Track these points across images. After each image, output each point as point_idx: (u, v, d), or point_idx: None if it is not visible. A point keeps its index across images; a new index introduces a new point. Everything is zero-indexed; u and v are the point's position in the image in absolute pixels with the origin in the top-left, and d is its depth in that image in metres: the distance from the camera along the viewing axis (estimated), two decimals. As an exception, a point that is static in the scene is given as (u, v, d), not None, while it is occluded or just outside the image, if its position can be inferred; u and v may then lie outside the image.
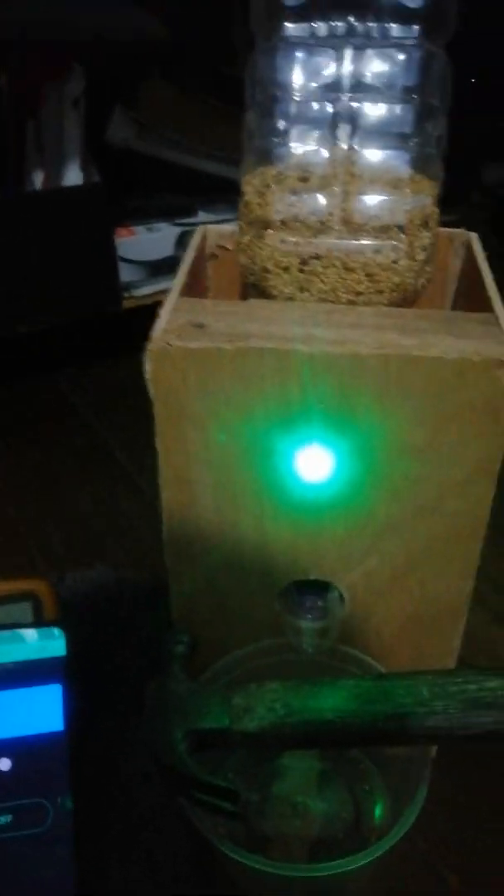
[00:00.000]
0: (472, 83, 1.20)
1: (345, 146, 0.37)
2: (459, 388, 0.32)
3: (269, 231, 0.38)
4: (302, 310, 0.37)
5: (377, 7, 0.35)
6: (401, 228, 0.36)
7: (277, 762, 0.44)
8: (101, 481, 0.74)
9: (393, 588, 0.40)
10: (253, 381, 0.34)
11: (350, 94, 0.36)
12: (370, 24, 0.35)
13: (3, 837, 0.40)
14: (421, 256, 0.37)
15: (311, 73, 0.37)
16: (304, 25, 0.36)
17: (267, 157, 0.39)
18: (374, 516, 0.37)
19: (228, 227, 0.47)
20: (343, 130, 0.37)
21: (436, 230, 0.38)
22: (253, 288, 0.40)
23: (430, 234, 0.38)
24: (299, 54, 0.37)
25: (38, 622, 0.51)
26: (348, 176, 0.37)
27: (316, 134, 0.38)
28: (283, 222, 0.37)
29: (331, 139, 0.37)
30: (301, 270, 0.38)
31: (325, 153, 0.37)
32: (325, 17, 0.35)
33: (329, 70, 0.37)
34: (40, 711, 0.45)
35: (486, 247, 0.44)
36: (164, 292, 0.39)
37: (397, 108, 0.36)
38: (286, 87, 0.37)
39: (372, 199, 0.36)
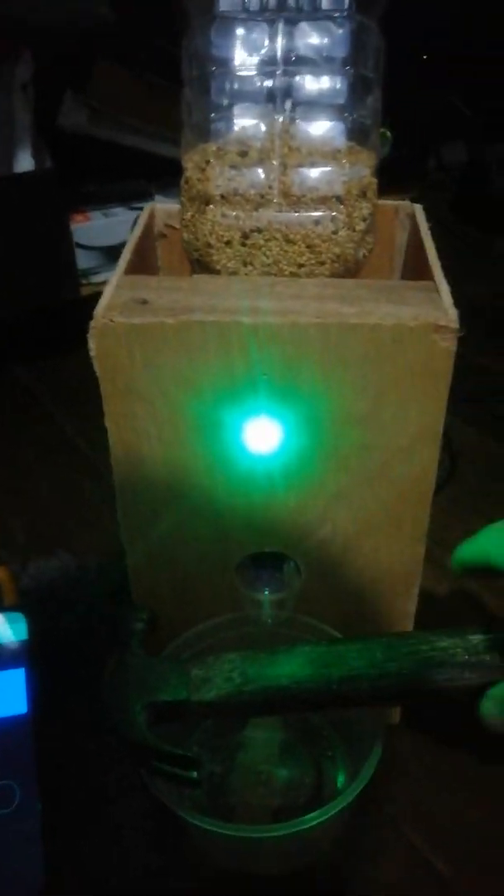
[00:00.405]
0: (426, 61, 1.21)
1: (282, 119, 0.37)
2: (398, 354, 0.33)
3: (210, 206, 0.38)
4: (245, 283, 0.37)
5: (307, -21, 0.35)
6: (339, 199, 0.37)
7: (241, 734, 0.45)
8: (62, 469, 0.74)
9: (347, 555, 0.41)
10: (198, 355, 0.34)
11: (284, 68, 0.37)
12: (301, -3, 0.35)
13: (-30, 819, 0.41)
14: (360, 227, 0.38)
15: (246, 47, 0.37)
16: (236, 0, 0.36)
17: (206, 133, 0.39)
18: (323, 485, 0.38)
19: (176, 206, 0.47)
20: (280, 104, 0.37)
21: (374, 200, 0.39)
22: (197, 264, 0.41)
23: (369, 204, 0.38)
24: (233, 29, 0.37)
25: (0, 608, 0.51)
26: (286, 149, 0.37)
27: (254, 108, 0.38)
28: (223, 197, 0.38)
29: (268, 113, 0.38)
30: (243, 244, 0.38)
31: (263, 127, 0.38)
32: (256, -10, 0.35)
33: (263, 44, 0.37)
34: (4, 695, 0.45)
35: (445, 224, 0.45)
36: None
37: (331, 81, 0.36)
38: (222, 63, 0.37)
39: (310, 172, 0.37)
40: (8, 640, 0.48)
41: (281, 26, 0.36)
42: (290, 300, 0.35)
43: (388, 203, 0.46)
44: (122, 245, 0.42)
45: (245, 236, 0.38)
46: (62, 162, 0.91)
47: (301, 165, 0.37)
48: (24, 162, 0.89)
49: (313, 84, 0.37)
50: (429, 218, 0.45)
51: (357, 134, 0.37)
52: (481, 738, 0.36)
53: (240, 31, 0.37)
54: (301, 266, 0.38)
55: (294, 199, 0.37)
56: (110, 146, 1.03)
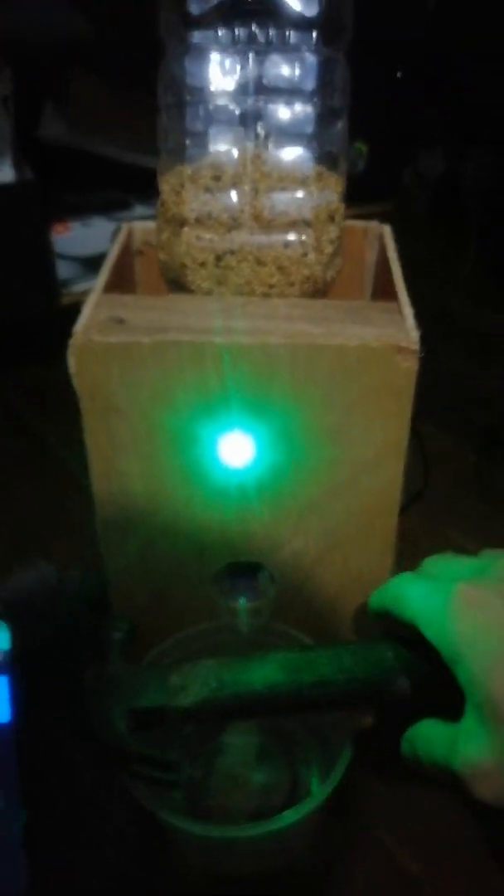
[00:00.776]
0: (399, 75, 1.23)
1: (253, 146, 0.39)
2: (362, 373, 0.34)
3: (185, 228, 0.39)
4: (219, 303, 0.39)
5: (276, 15, 0.36)
6: (307, 223, 0.38)
7: (219, 740, 0.46)
8: (43, 481, 0.75)
9: (319, 565, 0.42)
10: (173, 373, 0.36)
11: (255, 97, 0.38)
12: (270, 32, 0.37)
13: (-48, 826, 0.41)
14: (328, 249, 0.39)
15: (219, 77, 0.39)
16: (209, 32, 0.38)
17: (181, 156, 0.40)
18: (295, 498, 0.39)
19: (153, 225, 0.48)
20: (251, 131, 0.39)
21: (341, 224, 0.40)
22: (173, 283, 0.42)
23: (337, 227, 0.40)
24: (207, 59, 0.38)
25: (-20, 618, 0.52)
26: (258, 174, 0.39)
27: (227, 134, 0.39)
28: (197, 220, 0.39)
29: (241, 139, 0.39)
30: (217, 265, 0.39)
31: (235, 153, 0.39)
32: (228, 25, 0.37)
33: (236, 74, 0.38)
34: (-14, 704, 0.46)
35: (422, 233, 0.46)
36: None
37: (300, 110, 0.38)
38: (196, 91, 0.39)
39: (280, 196, 0.38)
40: (-10, 650, 0.48)
41: (252, 56, 0.38)
42: (262, 320, 0.36)
43: (358, 224, 0.47)
44: (102, 255, 0.44)
45: (219, 258, 0.39)
46: (42, 173, 0.92)
47: (272, 190, 0.38)
48: (5, 173, 0.89)
49: (283, 113, 0.38)
50: (405, 228, 0.47)
51: (325, 160, 0.39)
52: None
53: (212, 62, 0.38)
54: (272, 287, 0.39)
55: (265, 223, 0.38)
56: (89, 156, 1.04)
